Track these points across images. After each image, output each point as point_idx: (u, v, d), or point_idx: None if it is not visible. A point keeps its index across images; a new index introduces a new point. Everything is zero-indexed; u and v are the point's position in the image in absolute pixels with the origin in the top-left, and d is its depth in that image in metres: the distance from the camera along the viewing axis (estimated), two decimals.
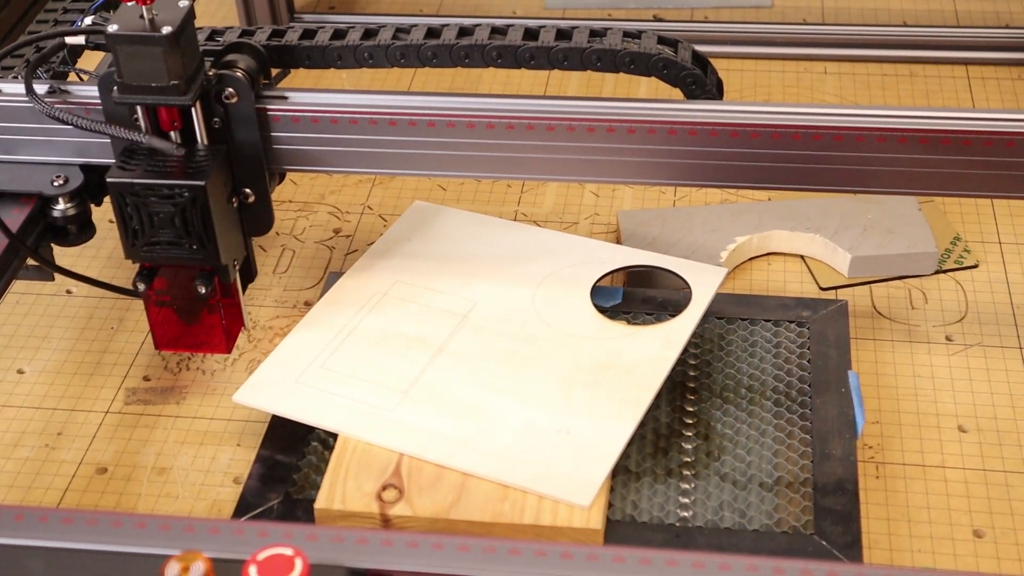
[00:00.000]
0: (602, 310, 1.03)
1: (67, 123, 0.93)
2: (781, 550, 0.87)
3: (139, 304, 1.13)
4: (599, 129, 0.93)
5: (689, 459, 0.94)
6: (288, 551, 0.69)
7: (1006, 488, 0.94)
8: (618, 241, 1.16)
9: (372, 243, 1.19)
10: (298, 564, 0.69)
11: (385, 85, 1.36)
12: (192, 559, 0.70)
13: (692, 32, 1.44)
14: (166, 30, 0.87)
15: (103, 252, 1.19)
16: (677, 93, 0.96)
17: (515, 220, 1.19)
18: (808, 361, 1.01)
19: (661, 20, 1.49)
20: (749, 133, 0.92)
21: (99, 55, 1.15)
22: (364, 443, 0.93)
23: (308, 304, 1.13)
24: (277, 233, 1.20)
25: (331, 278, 1.10)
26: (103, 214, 1.08)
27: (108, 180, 0.91)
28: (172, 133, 0.94)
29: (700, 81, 0.95)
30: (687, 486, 0.92)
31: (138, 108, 0.92)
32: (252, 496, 0.93)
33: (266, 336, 1.10)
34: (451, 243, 1.10)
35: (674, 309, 1.04)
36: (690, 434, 0.96)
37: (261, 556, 0.69)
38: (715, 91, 0.96)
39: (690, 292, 1.03)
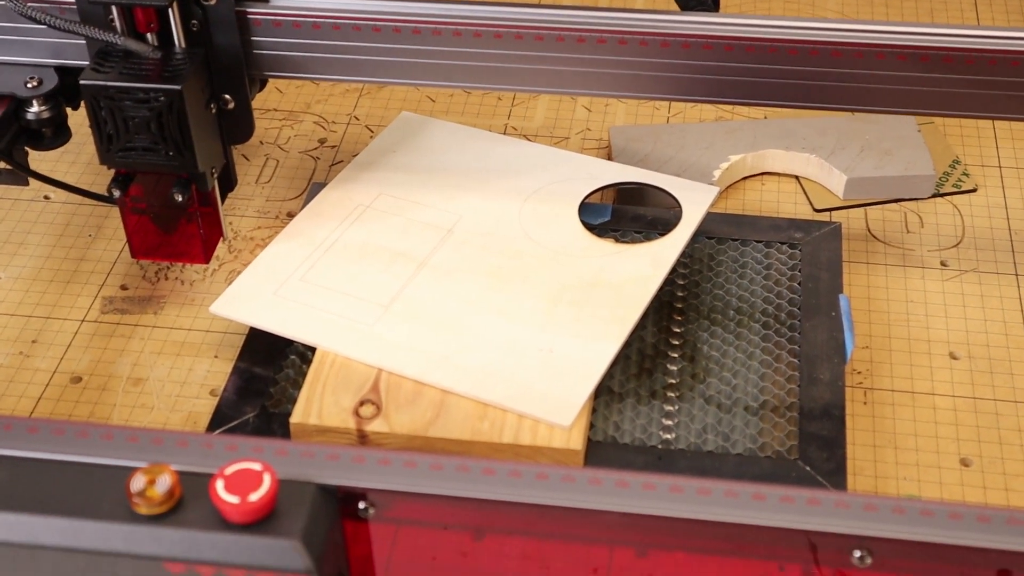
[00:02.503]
0: (590, 227, 1.01)
1: (40, 22, 0.90)
2: (764, 475, 0.85)
3: (118, 212, 1.11)
4: (590, 40, 0.90)
5: (674, 381, 0.93)
6: (257, 466, 0.67)
7: (995, 417, 0.92)
8: (609, 157, 1.14)
9: (357, 154, 1.16)
10: (266, 479, 0.67)
11: None
12: (158, 472, 0.68)
13: None
14: None
15: (82, 158, 1.17)
16: (674, 5, 0.93)
17: (505, 134, 1.16)
18: (799, 284, 0.99)
19: None
20: (744, 47, 0.89)
21: None
22: (342, 358, 0.91)
23: (291, 215, 1.11)
24: (261, 142, 1.18)
25: (314, 188, 1.07)
26: (82, 119, 1.05)
27: (81, 83, 0.88)
28: (148, 35, 0.91)
29: None
30: (671, 408, 0.91)
31: (114, 8, 0.89)
32: (228, 408, 0.92)
33: (247, 247, 1.08)
34: (438, 155, 1.08)
35: (664, 228, 1.01)
36: (676, 355, 0.94)
37: (229, 471, 0.67)
38: (711, 3, 0.93)
39: (680, 211, 1.01)
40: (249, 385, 0.93)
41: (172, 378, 0.97)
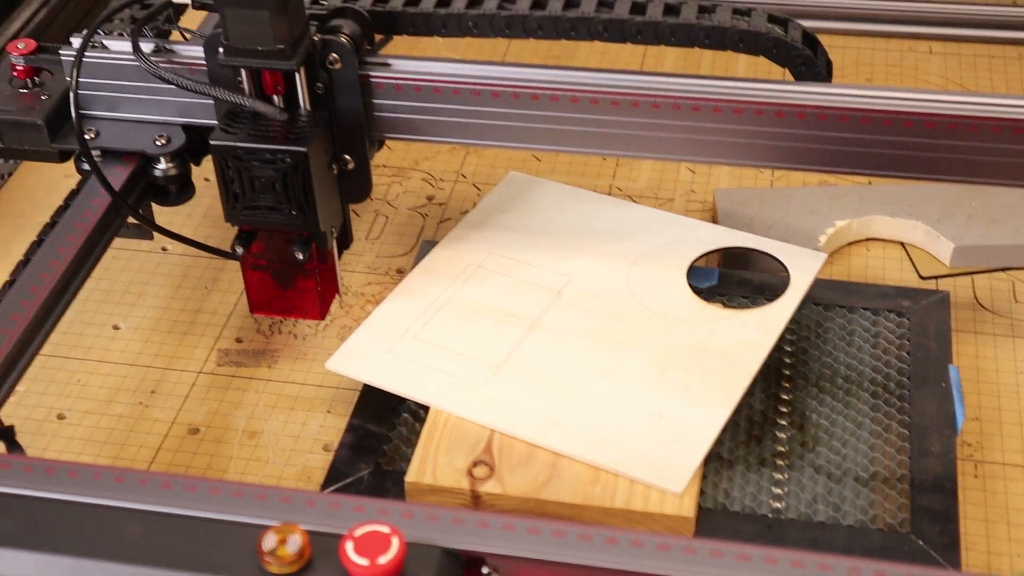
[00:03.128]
0: (697, 291, 1.02)
1: (172, 83, 0.93)
2: (876, 548, 0.85)
3: (232, 265, 1.14)
4: (704, 108, 0.91)
5: (783, 449, 0.93)
6: (385, 529, 0.69)
7: None
8: (714, 219, 1.15)
9: (466, 212, 1.18)
10: (395, 543, 0.68)
11: (480, 54, 1.35)
12: (289, 531, 0.70)
13: (792, 5, 1.41)
14: None
15: (198, 211, 1.20)
16: (776, 72, 0.94)
17: (610, 194, 1.18)
18: (907, 353, 0.99)
19: None
20: (859, 118, 0.90)
21: (199, 13, 1.14)
22: (455, 417, 0.93)
23: (400, 271, 1.13)
24: (371, 199, 1.19)
25: (424, 247, 1.09)
26: (198, 172, 1.08)
27: (211, 143, 0.91)
28: (275, 97, 0.93)
29: (810, 62, 0.93)
30: (780, 476, 0.91)
31: (243, 71, 0.92)
32: (342, 465, 0.93)
33: (358, 302, 1.10)
34: (546, 216, 1.09)
35: (771, 293, 1.02)
36: (784, 423, 0.95)
37: (358, 532, 0.69)
38: (824, 73, 0.94)
39: (788, 276, 1.02)
40: (363, 442, 0.95)
41: (286, 432, 0.99)
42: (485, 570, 0.71)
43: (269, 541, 0.69)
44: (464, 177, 1.23)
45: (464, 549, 0.71)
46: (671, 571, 0.69)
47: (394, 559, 0.68)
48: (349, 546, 0.68)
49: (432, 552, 0.70)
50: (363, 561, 0.68)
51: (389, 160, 1.25)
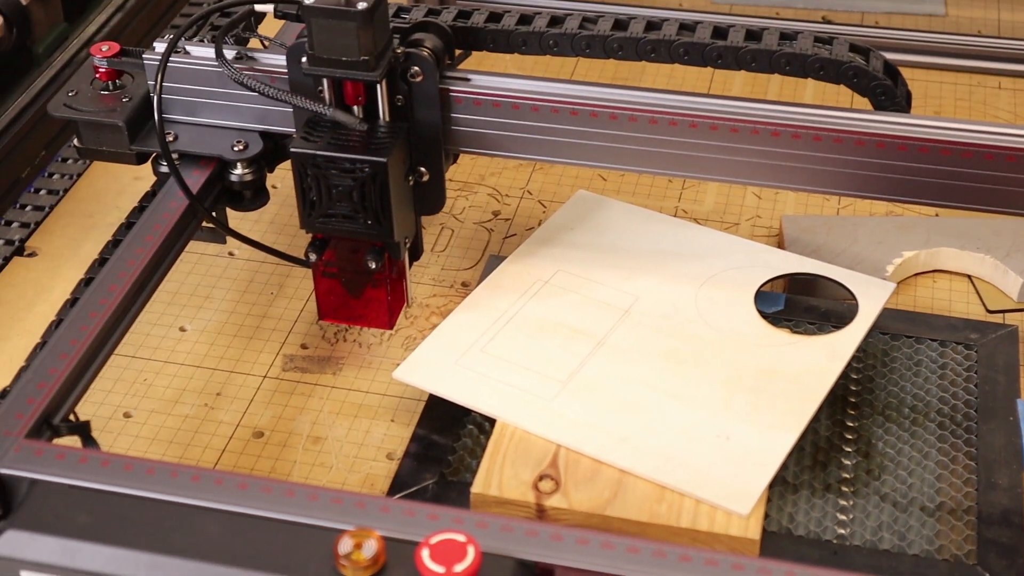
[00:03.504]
0: (764, 316, 1.02)
1: (254, 90, 0.94)
2: None
3: (298, 272, 1.15)
4: (784, 134, 0.92)
5: (848, 475, 0.93)
6: (461, 537, 0.69)
7: None
8: (780, 245, 1.15)
9: (531, 228, 1.19)
10: (470, 552, 0.69)
11: (546, 71, 1.35)
12: (365, 536, 0.70)
13: (861, 37, 1.41)
14: (361, 6, 0.88)
15: (265, 217, 1.21)
16: (843, 99, 0.94)
17: (675, 216, 1.18)
18: (975, 385, 0.99)
19: (830, 23, 1.47)
20: (939, 149, 0.90)
21: (271, 22, 1.16)
22: (522, 431, 0.93)
23: (465, 284, 1.13)
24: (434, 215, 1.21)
25: (491, 261, 1.10)
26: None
27: (292, 150, 0.92)
28: (355, 108, 0.94)
29: (890, 92, 0.93)
30: (845, 503, 0.91)
31: (324, 81, 0.93)
32: (407, 474, 0.94)
33: (423, 314, 1.10)
34: (614, 235, 1.10)
35: (837, 320, 1.02)
36: (850, 450, 0.95)
37: (434, 540, 0.69)
38: (904, 104, 0.94)
39: (855, 304, 1.02)
40: (428, 452, 0.95)
41: (350, 439, 1.00)
42: None
43: (345, 545, 0.70)
44: (530, 193, 1.23)
45: (538, 561, 0.71)
46: None
47: (469, 568, 0.68)
48: (425, 553, 0.69)
49: (506, 563, 0.71)
50: (439, 568, 0.68)
51: (456, 175, 1.25)
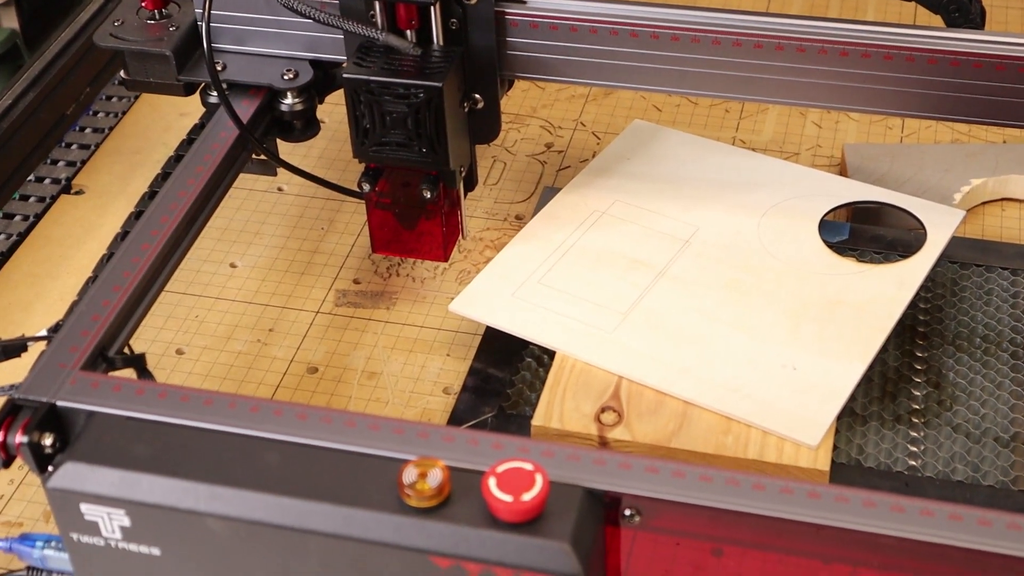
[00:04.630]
0: (828, 245, 0.99)
1: (305, 16, 0.91)
2: (1019, 510, 0.82)
3: (348, 206, 1.13)
4: (853, 54, 0.88)
5: (919, 406, 0.90)
6: (528, 466, 0.67)
7: None
8: (842, 175, 1.11)
9: (585, 160, 1.16)
10: (538, 480, 0.67)
11: None
12: (430, 465, 0.68)
13: None
14: None
15: (313, 151, 1.19)
16: (905, 18, 0.91)
17: (733, 146, 1.15)
18: None
19: None
20: (1018, 67, 0.86)
21: None
22: (582, 363, 0.91)
23: (519, 217, 1.11)
24: (489, 144, 1.18)
25: (546, 193, 1.07)
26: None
27: (344, 76, 0.90)
28: (408, 32, 0.92)
29: (964, 8, 0.89)
30: (916, 434, 0.88)
31: (376, 4, 0.90)
32: (465, 408, 0.92)
33: (476, 247, 1.08)
34: (672, 165, 1.07)
35: (904, 249, 0.99)
36: (920, 380, 0.92)
37: (501, 468, 0.67)
38: (978, 20, 0.90)
39: (923, 232, 0.99)
40: (486, 385, 0.93)
41: (405, 374, 0.98)
42: (627, 511, 0.69)
43: (409, 474, 0.68)
44: (583, 125, 1.20)
45: (607, 489, 0.69)
46: (821, 519, 0.67)
47: (537, 496, 0.66)
48: (492, 482, 0.67)
49: (575, 491, 0.69)
50: (507, 497, 0.66)
51: (507, 107, 1.23)
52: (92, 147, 1.22)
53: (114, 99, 1.27)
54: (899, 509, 0.67)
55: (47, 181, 1.18)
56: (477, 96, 0.95)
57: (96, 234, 1.13)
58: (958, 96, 0.89)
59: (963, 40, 0.87)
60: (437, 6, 0.90)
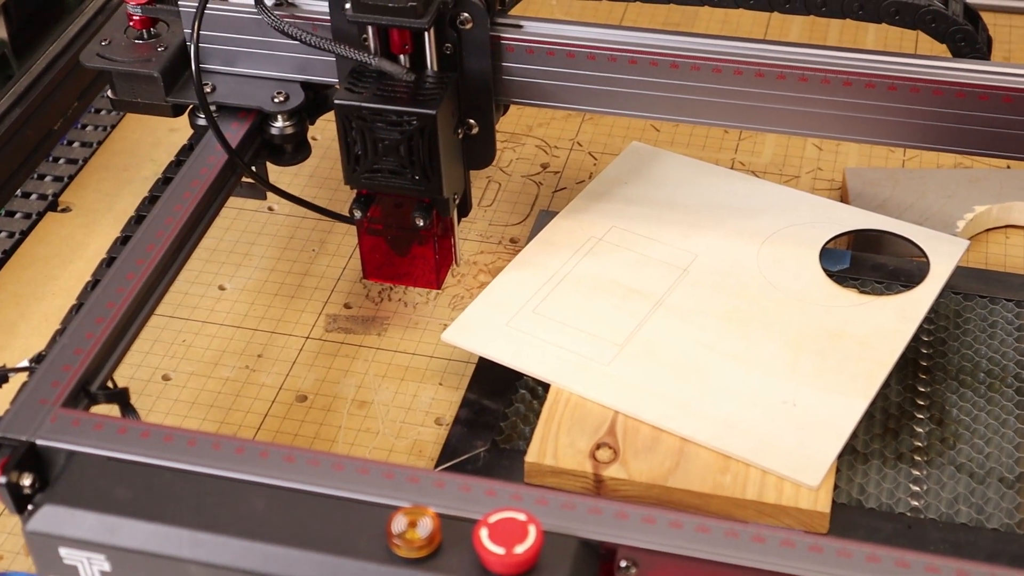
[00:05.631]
0: (829, 274, 0.97)
1: (295, 38, 0.89)
2: (1023, 554, 0.81)
3: (340, 228, 1.10)
4: (857, 84, 0.87)
5: (921, 444, 0.88)
6: (521, 516, 0.65)
7: None
8: (843, 199, 1.09)
9: (581, 181, 1.14)
10: (531, 531, 0.65)
11: (595, 17, 1.30)
12: (420, 514, 0.66)
13: None
14: None
15: (304, 171, 1.16)
16: (907, 46, 0.89)
17: (732, 169, 1.13)
18: None
19: None
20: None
21: None
22: (577, 396, 0.89)
23: (514, 240, 1.09)
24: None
25: (542, 217, 1.05)
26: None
27: (336, 102, 0.88)
28: (401, 57, 0.89)
29: (970, 38, 0.87)
30: (919, 473, 0.86)
31: (369, 28, 0.88)
32: (458, 441, 0.90)
33: (470, 271, 1.06)
34: (670, 189, 1.05)
35: (906, 279, 0.97)
36: (922, 417, 0.90)
37: (493, 519, 0.65)
38: (984, 50, 0.88)
39: (926, 262, 0.97)
40: (479, 418, 0.91)
41: (397, 403, 0.96)
42: (623, 563, 0.67)
43: (399, 523, 0.66)
44: (580, 145, 1.18)
45: (602, 540, 0.67)
46: (821, 574, 0.65)
47: (531, 549, 0.64)
48: (484, 532, 0.65)
49: (569, 542, 0.67)
50: (499, 550, 0.64)
51: (502, 126, 1.20)
52: (80, 162, 1.20)
53: (103, 112, 1.25)
54: (904, 564, 0.65)
55: (33, 197, 1.16)
56: (472, 122, 0.93)
57: (82, 254, 1.10)
58: (964, 128, 0.87)
59: (969, 71, 0.85)
60: (431, 31, 0.88)
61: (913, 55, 0.87)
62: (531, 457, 0.86)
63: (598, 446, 0.86)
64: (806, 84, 0.87)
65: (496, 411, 0.92)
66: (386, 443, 0.93)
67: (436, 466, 0.89)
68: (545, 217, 1.04)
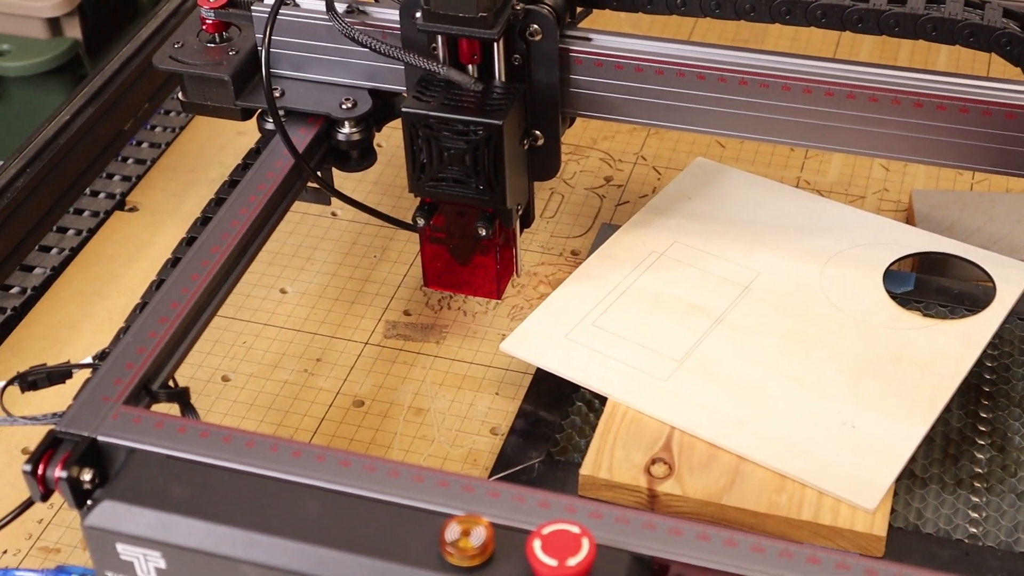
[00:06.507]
0: (893, 296, 0.96)
1: (365, 46, 0.90)
2: None
3: (402, 235, 1.11)
4: (928, 105, 0.86)
5: (982, 471, 0.87)
6: (575, 529, 0.65)
7: None
8: (909, 221, 1.08)
9: (644, 196, 1.14)
10: (585, 544, 0.65)
11: (663, 32, 1.30)
12: (474, 523, 0.67)
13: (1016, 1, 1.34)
14: None
15: (369, 177, 1.17)
16: (979, 68, 0.88)
17: (797, 187, 1.12)
18: None
19: None
20: None
21: None
22: (633, 411, 0.89)
23: (575, 253, 1.09)
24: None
25: (604, 230, 1.05)
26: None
27: (403, 110, 0.88)
28: (470, 67, 0.90)
29: None
30: (978, 500, 0.85)
31: (438, 38, 0.89)
32: (513, 451, 0.90)
33: (531, 283, 1.06)
34: (734, 206, 1.04)
35: (971, 303, 0.96)
36: (983, 443, 0.89)
37: (547, 530, 0.65)
38: None
39: (992, 287, 0.95)
40: (534, 429, 0.91)
41: (453, 412, 0.96)
42: None
43: (452, 532, 0.66)
44: (644, 159, 1.18)
45: (655, 556, 0.67)
46: None
47: (583, 562, 0.64)
48: (537, 544, 0.65)
49: (622, 556, 0.67)
50: (551, 561, 0.64)
51: (566, 138, 1.19)
52: (148, 162, 1.21)
53: (172, 113, 1.27)
54: None
55: (101, 196, 1.18)
56: (538, 133, 0.93)
57: (148, 253, 1.12)
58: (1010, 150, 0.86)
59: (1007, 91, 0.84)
60: (500, 42, 0.88)
61: (986, 77, 0.86)
62: (586, 470, 0.85)
63: (653, 461, 0.86)
64: (876, 104, 0.87)
65: (552, 423, 0.92)
66: (441, 451, 0.93)
67: (490, 475, 0.89)
68: (607, 230, 1.04)
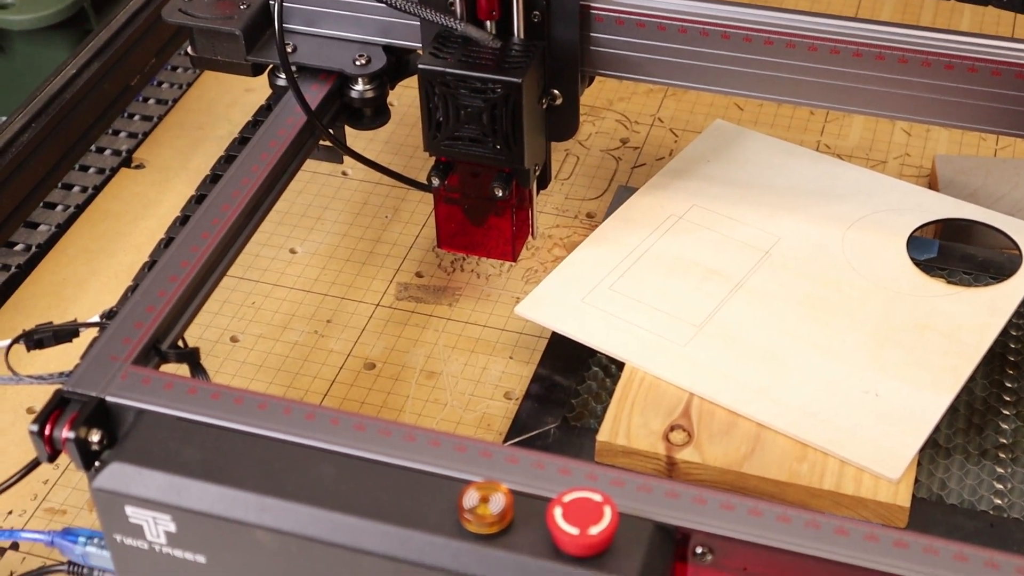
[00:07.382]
0: (916, 263, 0.94)
1: (381, 1, 0.87)
2: None
3: (414, 195, 1.09)
4: (959, 67, 0.83)
5: (1006, 441, 0.85)
6: (597, 497, 0.63)
7: None
8: (932, 187, 1.06)
9: (661, 158, 1.12)
10: (607, 512, 0.63)
11: None
12: (493, 489, 0.65)
13: None
14: None
15: (380, 136, 1.15)
16: (1004, 28, 0.85)
17: (817, 151, 1.10)
18: None
19: None
20: None
21: None
22: (652, 377, 0.87)
23: (591, 215, 1.07)
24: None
25: (620, 193, 1.03)
26: None
27: (420, 67, 0.86)
28: (488, 23, 0.87)
29: None
30: (1003, 471, 0.84)
31: None
32: (528, 416, 0.88)
33: (545, 245, 1.04)
34: (754, 169, 1.02)
35: (996, 271, 0.94)
36: (1008, 413, 0.87)
37: (568, 498, 0.63)
38: None
39: (1018, 255, 0.94)
40: (550, 394, 0.90)
41: (466, 375, 0.94)
42: (698, 549, 0.65)
43: (471, 498, 0.64)
44: (661, 121, 1.16)
45: (679, 525, 0.65)
46: (906, 571, 0.63)
47: (606, 530, 0.62)
48: (558, 512, 0.63)
49: (644, 525, 0.65)
50: (573, 530, 0.62)
51: (582, 99, 1.17)
52: (155, 119, 1.19)
53: (179, 70, 1.24)
54: (993, 566, 0.62)
55: (107, 152, 1.15)
56: (556, 92, 0.91)
57: (154, 211, 1.10)
58: None
59: None
60: None
61: (1016, 39, 0.84)
62: (603, 436, 0.84)
63: (672, 428, 0.84)
64: (904, 66, 0.85)
65: (568, 388, 0.90)
66: (454, 415, 0.92)
67: (505, 441, 0.87)
68: (624, 193, 1.02)
